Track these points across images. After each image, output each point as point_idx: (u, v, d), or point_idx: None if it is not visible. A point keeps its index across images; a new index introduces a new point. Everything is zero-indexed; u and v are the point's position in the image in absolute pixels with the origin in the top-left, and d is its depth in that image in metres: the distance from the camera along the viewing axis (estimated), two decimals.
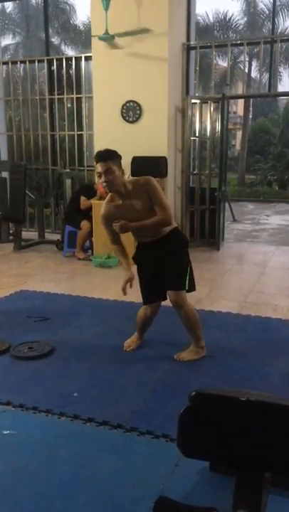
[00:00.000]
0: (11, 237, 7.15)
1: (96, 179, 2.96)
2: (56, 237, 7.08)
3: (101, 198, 6.08)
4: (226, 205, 7.99)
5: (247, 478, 1.51)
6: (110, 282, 5.14)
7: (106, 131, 6.50)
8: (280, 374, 3.01)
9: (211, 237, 6.98)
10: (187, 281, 3.15)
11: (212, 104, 6.86)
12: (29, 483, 2.03)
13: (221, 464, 1.74)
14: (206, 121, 6.93)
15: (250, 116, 25.30)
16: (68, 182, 6.88)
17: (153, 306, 3.27)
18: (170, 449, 2.19)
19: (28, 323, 3.89)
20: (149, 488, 1.97)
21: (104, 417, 2.48)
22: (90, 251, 6.29)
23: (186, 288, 3.16)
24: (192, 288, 3.21)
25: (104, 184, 2.92)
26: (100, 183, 2.98)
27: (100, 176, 2.93)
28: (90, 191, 6.24)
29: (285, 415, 1.48)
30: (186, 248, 3.20)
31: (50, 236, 7.38)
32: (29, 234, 7.44)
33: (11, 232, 7.32)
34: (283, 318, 4.05)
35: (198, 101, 6.90)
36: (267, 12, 20.17)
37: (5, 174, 7.43)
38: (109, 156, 2.95)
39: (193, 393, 1.52)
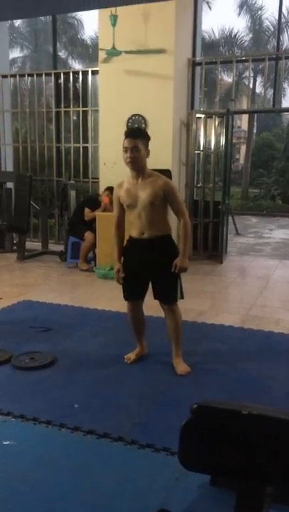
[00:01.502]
0: (15, 247, 7.18)
1: (122, 154, 3.00)
2: (60, 248, 7.11)
3: (105, 210, 6.13)
4: (230, 218, 8.02)
5: (248, 493, 1.50)
6: (113, 293, 5.13)
7: (111, 143, 6.56)
8: (282, 388, 3.00)
9: (214, 250, 6.99)
10: (178, 292, 3.18)
11: (217, 118, 6.93)
12: (28, 494, 2.02)
13: (222, 477, 1.73)
14: (210, 135, 6.99)
15: (255, 130, 25.48)
16: (73, 193, 6.93)
17: (136, 305, 3.29)
18: (171, 462, 2.18)
19: (30, 333, 3.89)
20: (149, 501, 1.96)
21: (105, 429, 2.47)
22: (93, 262, 6.30)
23: (179, 298, 3.20)
24: (182, 296, 3.23)
25: (129, 160, 2.97)
26: (124, 158, 3.00)
27: (126, 151, 2.97)
28: (94, 203, 6.28)
29: (287, 429, 1.48)
30: (176, 256, 3.18)
31: (54, 247, 7.42)
32: (33, 244, 7.47)
33: (14, 242, 7.35)
34: (286, 332, 4.04)
35: (203, 115, 6.97)
36: (272, 29, 20.48)
37: (10, 185, 7.49)
38: (139, 135, 3.03)
39: (196, 406, 1.51)
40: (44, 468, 2.21)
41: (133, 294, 3.27)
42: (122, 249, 3.24)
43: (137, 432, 2.47)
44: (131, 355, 3.38)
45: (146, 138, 3.04)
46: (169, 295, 3.17)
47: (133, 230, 3.15)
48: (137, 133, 3.09)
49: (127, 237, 3.25)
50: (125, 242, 3.24)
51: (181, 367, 3.22)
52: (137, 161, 2.98)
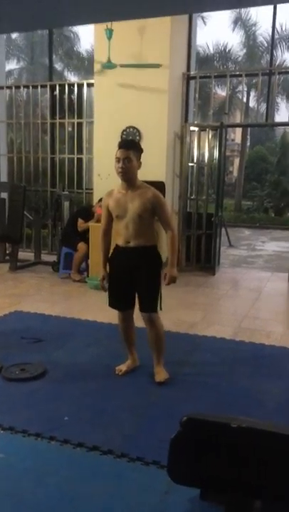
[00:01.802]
0: (8, 257, 7.16)
1: (114, 164, 3.05)
2: (52, 258, 7.10)
3: (98, 221, 6.13)
4: (223, 230, 8.06)
5: (236, 507, 1.49)
6: (105, 304, 5.12)
7: (105, 155, 6.58)
8: (272, 401, 3.00)
9: (207, 261, 7.01)
10: (159, 303, 3.19)
11: (210, 131, 7.00)
12: (16, 508, 1.99)
13: (211, 491, 1.72)
14: (204, 147, 7.05)
15: (248, 144, 25.73)
16: (66, 204, 6.94)
17: (125, 315, 3.30)
18: (160, 476, 2.16)
19: (21, 344, 3.87)
20: None
21: (95, 442, 2.45)
22: (85, 273, 6.29)
23: (159, 309, 3.20)
24: (160, 308, 3.23)
25: (120, 170, 3.02)
26: (116, 168, 3.05)
27: (118, 161, 3.02)
28: (87, 214, 6.29)
29: (277, 442, 1.48)
30: (160, 269, 3.22)
31: (47, 257, 7.40)
32: (26, 254, 7.45)
33: (7, 252, 7.33)
34: (277, 344, 4.04)
35: (196, 128, 7.03)
36: (266, 45, 20.78)
37: (4, 195, 7.49)
38: (132, 146, 3.11)
39: (185, 418, 1.51)
40: (33, 481, 2.18)
41: (118, 302, 3.29)
42: (108, 257, 3.28)
43: (127, 445, 2.45)
44: (122, 367, 3.37)
45: (138, 150, 3.10)
46: (149, 303, 3.18)
47: (119, 239, 3.19)
48: (130, 144, 3.16)
49: (113, 246, 3.27)
50: (112, 251, 3.28)
51: (160, 375, 3.22)
52: (128, 172, 3.03)
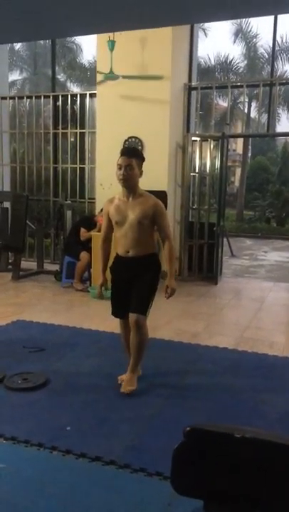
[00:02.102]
0: (10, 267, 7.17)
1: (116, 171, 3.08)
2: (55, 267, 7.10)
3: (100, 230, 6.15)
4: (224, 240, 8.07)
5: None
6: (108, 314, 5.11)
7: (108, 165, 6.59)
8: (275, 412, 2.98)
9: (209, 271, 7.01)
10: (149, 308, 3.16)
11: (212, 142, 7.04)
12: None
13: (215, 502, 1.70)
14: (205, 157, 7.09)
15: (249, 154, 25.84)
16: (69, 213, 6.96)
17: (126, 323, 3.26)
18: (163, 487, 2.14)
19: (23, 354, 3.86)
20: None
21: (97, 453, 2.44)
22: (88, 282, 6.29)
23: (147, 314, 3.16)
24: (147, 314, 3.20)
25: (122, 177, 3.05)
26: (117, 175, 3.07)
27: (119, 169, 3.04)
28: (90, 223, 6.31)
29: (281, 453, 1.47)
30: (158, 274, 3.22)
31: (49, 266, 7.41)
32: (28, 264, 7.46)
33: (10, 261, 7.34)
34: (280, 355, 4.02)
35: (198, 138, 7.08)
36: (266, 56, 20.95)
37: (7, 204, 7.52)
38: (134, 154, 3.13)
39: (188, 428, 1.50)
40: (34, 491, 2.16)
41: (118, 310, 3.29)
42: (109, 265, 3.29)
43: (129, 456, 2.43)
44: (124, 377, 3.35)
45: (140, 158, 3.13)
46: (138, 304, 3.12)
47: (119, 247, 3.20)
48: (132, 152, 3.19)
49: (114, 254, 3.29)
50: (112, 260, 3.29)
51: (127, 384, 3.17)
52: (129, 179, 3.05)
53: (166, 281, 3.14)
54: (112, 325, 4.58)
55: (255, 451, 1.44)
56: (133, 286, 3.16)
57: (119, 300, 3.25)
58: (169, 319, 4.88)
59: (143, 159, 3.15)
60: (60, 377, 3.41)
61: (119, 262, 3.23)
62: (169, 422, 2.79)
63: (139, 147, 6.55)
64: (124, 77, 6.25)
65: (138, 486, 2.23)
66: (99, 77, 6.62)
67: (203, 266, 7.08)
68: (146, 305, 3.14)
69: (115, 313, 3.33)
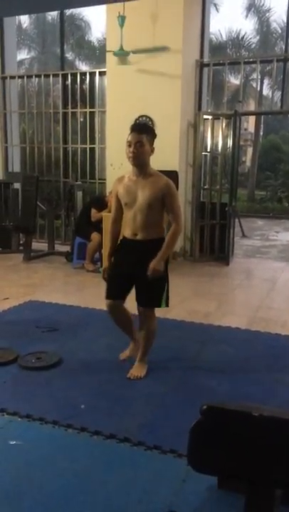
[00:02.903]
0: (21, 248, 7.19)
1: (125, 148, 2.91)
2: (66, 248, 7.11)
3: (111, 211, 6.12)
4: (236, 220, 7.99)
5: (257, 496, 1.48)
6: None
7: (118, 144, 6.52)
8: (288, 391, 2.97)
9: (221, 252, 6.97)
10: (164, 299, 3.07)
11: (224, 120, 6.91)
12: (34, 494, 2.01)
13: (231, 479, 1.71)
14: (217, 136, 6.97)
15: (261, 133, 25.41)
16: (79, 194, 6.93)
17: (114, 306, 3.11)
18: (178, 464, 2.16)
19: (36, 334, 3.89)
20: (155, 503, 1.94)
21: (112, 430, 2.46)
22: (99, 263, 6.29)
23: (163, 306, 3.08)
24: (167, 305, 3.12)
25: (131, 155, 2.87)
26: (127, 152, 2.90)
27: (129, 146, 2.87)
28: (100, 204, 6.27)
29: None
30: (168, 263, 3.07)
31: (60, 247, 7.41)
32: (39, 245, 7.47)
33: (21, 242, 7.36)
34: None
35: (210, 117, 6.95)
36: (279, 31, 20.41)
37: (17, 185, 7.51)
38: (145, 130, 2.95)
39: (205, 407, 1.50)
40: (50, 468, 2.20)
41: (114, 293, 3.10)
42: (115, 247, 3.15)
43: (143, 433, 2.45)
44: (126, 352, 3.36)
45: (151, 135, 2.95)
46: (152, 299, 3.05)
47: (127, 229, 3.05)
48: (142, 128, 3.00)
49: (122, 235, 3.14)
50: (119, 242, 3.15)
51: (135, 370, 3.13)
52: (139, 157, 2.88)
53: (153, 260, 2.92)
54: None
55: (273, 429, 1.43)
56: (139, 277, 2.97)
57: (120, 282, 3.07)
58: (182, 299, 4.86)
59: (154, 135, 2.96)
60: (73, 356, 3.43)
61: (125, 244, 3.07)
62: (182, 400, 2.81)
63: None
64: (133, 52, 6.12)
65: (153, 462, 2.25)
66: (109, 56, 6.49)
67: (215, 246, 7.03)
68: (159, 300, 3.05)
69: (111, 294, 3.09)
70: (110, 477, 2.12)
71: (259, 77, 19.53)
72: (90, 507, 1.93)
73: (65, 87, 7.82)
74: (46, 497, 1.99)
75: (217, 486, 1.95)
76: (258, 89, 21.16)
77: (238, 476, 1.57)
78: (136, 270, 2.99)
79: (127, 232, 3.06)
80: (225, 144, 6.98)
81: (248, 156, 27.05)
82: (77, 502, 1.96)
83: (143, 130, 2.94)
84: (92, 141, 7.66)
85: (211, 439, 1.50)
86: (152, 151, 2.95)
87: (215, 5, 18.33)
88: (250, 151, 26.31)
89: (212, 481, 1.96)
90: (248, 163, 26.05)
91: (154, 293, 3.03)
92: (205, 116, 6.88)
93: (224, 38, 21.06)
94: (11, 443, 2.40)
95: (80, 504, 1.95)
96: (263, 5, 20.68)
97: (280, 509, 1.51)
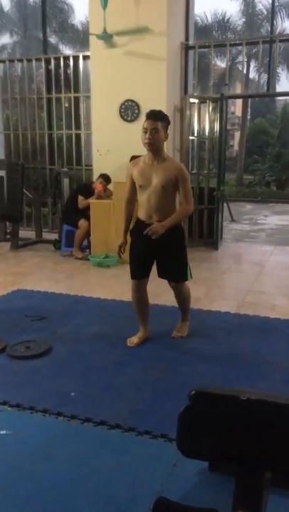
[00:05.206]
0: (8, 236, 7.11)
1: (141, 135, 3.08)
2: (54, 236, 7.05)
3: (99, 198, 6.07)
4: (224, 205, 7.98)
5: (247, 479, 1.49)
6: (108, 281, 5.12)
7: (104, 130, 6.48)
8: (279, 373, 2.99)
9: (210, 236, 6.97)
10: (189, 271, 3.40)
11: (211, 103, 6.84)
12: (26, 483, 2.01)
13: (220, 463, 1.72)
14: (204, 121, 6.91)
15: (248, 116, 25.32)
16: (66, 181, 6.85)
17: (140, 284, 3.36)
18: (168, 449, 2.17)
19: (25, 322, 3.86)
20: (147, 488, 1.95)
21: (102, 417, 2.46)
22: (87, 250, 6.26)
23: (189, 278, 3.43)
24: (191, 276, 3.48)
25: (147, 141, 3.03)
26: (142, 138, 3.06)
27: (145, 132, 3.03)
28: (87, 191, 6.22)
29: (286, 414, 1.46)
30: (184, 241, 3.40)
31: (48, 235, 7.35)
32: (26, 233, 7.40)
33: (8, 231, 7.28)
34: (282, 317, 4.03)
35: (196, 100, 6.88)
36: (265, 13, 20.24)
37: (2, 173, 7.39)
38: (161, 118, 3.09)
39: (193, 392, 1.50)
40: (41, 456, 2.19)
41: (139, 273, 3.34)
42: (129, 228, 3.35)
43: (134, 419, 2.46)
44: (134, 339, 3.40)
45: (166, 121, 3.11)
46: (180, 275, 3.37)
47: (141, 212, 3.23)
48: (158, 115, 3.12)
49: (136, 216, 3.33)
50: (134, 223, 3.33)
51: (179, 331, 3.53)
52: (154, 143, 3.04)
53: (157, 223, 3.11)
54: (112, 292, 4.58)
55: (261, 412, 1.43)
56: (160, 256, 3.25)
57: (142, 263, 3.30)
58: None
59: (169, 122, 3.13)
60: (63, 344, 3.42)
61: (141, 226, 3.21)
62: (173, 385, 2.81)
63: (136, 111, 6.37)
64: (116, 35, 6.00)
65: (144, 448, 2.26)
66: (92, 39, 6.36)
67: (204, 231, 7.03)
68: (185, 273, 3.37)
69: (137, 275, 3.34)
70: (101, 463, 2.13)
71: (245, 59, 19.38)
72: (82, 493, 1.93)
73: (48, 71, 7.66)
74: (37, 485, 1.99)
75: (208, 470, 1.97)
76: (245, 72, 21.01)
77: (226, 460, 1.57)
78: (158, 252, 3.24)
79: (141, 214, 3.23)
80: (212, 128, 6.92)
81: (236, 140, 27.00)
82: (69, 489, 1.96)
83: (158, 117, 3.09)
84: (78, 126, 7.55)
85: (200, 424, 1.50)
86: (166, 137, 3.13)
87: None
88: (237, 135, 26.27)
89: (203, 464, 1.97)
90: (236, 148, 25.99)
91: (181, 268, 3.36)
92: (191, 100, 6.81)
93: (210, 20, 20.79)
94: (1, 433, 2.38)
95: (72, 490, 1.95)
96: None
97: (269, 491, 1.53)
